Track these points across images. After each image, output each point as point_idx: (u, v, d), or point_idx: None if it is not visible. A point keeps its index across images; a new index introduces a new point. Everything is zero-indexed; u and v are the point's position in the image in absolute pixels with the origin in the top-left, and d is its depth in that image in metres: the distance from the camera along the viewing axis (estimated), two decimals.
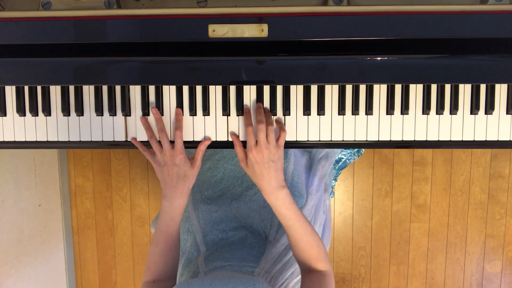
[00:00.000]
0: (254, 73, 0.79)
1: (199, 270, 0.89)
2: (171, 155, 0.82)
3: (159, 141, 0.84)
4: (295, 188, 1.02)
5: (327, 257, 0.85)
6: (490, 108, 0.85)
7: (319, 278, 0.81)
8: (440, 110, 0.86)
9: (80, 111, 0.87)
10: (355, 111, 0.86)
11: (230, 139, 0.87)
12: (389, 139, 0.87)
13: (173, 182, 0.82)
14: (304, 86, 0.86)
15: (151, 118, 0.87)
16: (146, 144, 0.87)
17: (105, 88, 0.87)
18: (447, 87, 0.86)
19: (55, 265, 1.90)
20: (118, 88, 0.87)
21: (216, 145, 0.88)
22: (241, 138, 0.87)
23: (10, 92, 0.88)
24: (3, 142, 0.89)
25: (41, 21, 0.78)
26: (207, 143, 0.86)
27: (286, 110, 0.86)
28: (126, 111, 0.87)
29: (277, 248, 0.95)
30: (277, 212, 0.82)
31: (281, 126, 0.85)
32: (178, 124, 0.85)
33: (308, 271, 0.83)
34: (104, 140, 0.88)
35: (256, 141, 0.81)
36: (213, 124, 0.87)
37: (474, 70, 0.78)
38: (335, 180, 1.39)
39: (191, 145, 0.89)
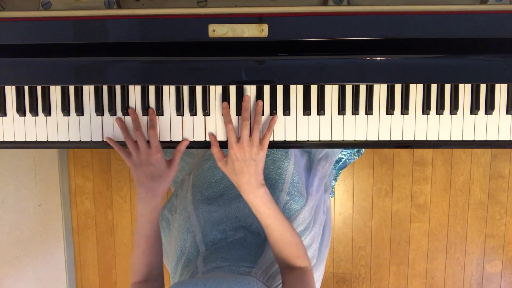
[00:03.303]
0: (254, 73, 0.79)
1: (197, 270, 0.89)
2: (147, 154, 0.81)
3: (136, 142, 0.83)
4: (296, 188, 1.01)
5: (306, 254, 0.84)
6: (490, 108, 0.85)
7: (300, 275, 0.81)
8: (440, 110, 0.86)
9: (80, 111, 0.87)
10: (355, 111, 0.86)
11: None
12: (389, 139, 0.87)
13: (148, 183, 0.81)
14: (304, 86, 0.86)
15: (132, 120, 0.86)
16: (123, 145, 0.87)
17: (105, 88, 0.87)
18: (447, 87, 0.86)
19: (55, 265, 1.90)
20: (118, 88, 0.87)
21: (211, 147, 0.88)
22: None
23: (10, 92, 0.88)
24: (3, 142, 0.89)
25: (41, 21, 0.78)
26: (186, 143, 0.86)
27: (286, 110, 0.86)
28: (126, 111, 0.87)
29: None
30: (256, 210, 0.81)
31: (269, 125, 0.84)
32: (151, 123, 0.84)
33: (288, 269, 0.83)
34: (104, 140, 0.88)
35: (239, 139, 0.81)
36: (213, 124, 0.87)
37: (474, 70, 0.78)
38: (335, 180, 1.39)
39: (190, 145, 0.88)
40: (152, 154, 0.81)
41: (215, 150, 0.84)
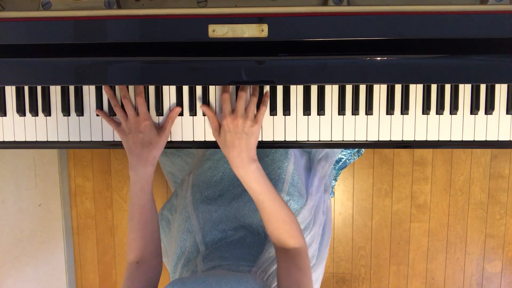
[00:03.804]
0: (254, 73, 0.79)
1: (197, 269, 0.89)
2: (136, 121, 0.82)
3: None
4: (295, 188, 1.02)
5: (301, 233, 0.83)
6: (490, 108, 0.85)
7: (295, 258, 0.79)
8: (440, 110, 0.86)
9: (80, 111, 0.87)
10: (355, 111, 0.86)
11: None
12: (389, 139, 0.87)
13: (138, 150, 0.81)
14: (304, 86, 0.86)
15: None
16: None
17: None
18: (447, 87, 0.86)
19: (55, 265, 1.90)
20: (118, 89, 0.87)
21: (216, 145, 0.88)
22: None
23: (10, 92, 0.88)
24: (3, 142, 0.89)
25: (41, 21, 0.78)
26: (178, 110, 0.85)
27: (286, 110, 0.86)
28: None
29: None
30: (248, 186, 0.80)
31: (263, 100, 0.84)
32: (138, 90, 0.84)
33: (282, 250, 0.81)
34: (104, 140, 0.88)
35: (233, 110, 0.81)
36: None
37: (474, 70, 0.78)
38: (335, 180, 1.39)
39: (190, 145, 0.89)
40: (140, 121, 0.82)
41: (212, 119, 0.84)
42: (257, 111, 0.83)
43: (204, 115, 0.87)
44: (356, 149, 1.32)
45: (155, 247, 0.84)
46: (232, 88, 0.86)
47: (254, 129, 0.80)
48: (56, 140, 0.89)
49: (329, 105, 0.86)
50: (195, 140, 0.88)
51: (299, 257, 0.80)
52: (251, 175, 0.79)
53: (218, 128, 0.83)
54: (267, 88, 0.86)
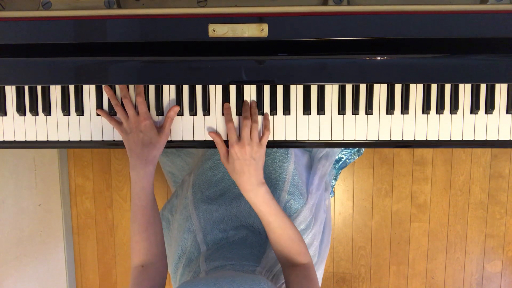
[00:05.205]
0: (254, 73, 0.79)
1: (200, 269, 0.89)
2: (136, 121, 0.82)
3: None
4: (296, 187, 1.02)
5: (307, 249, 0.85)
6: (490, 107, 0.85)
7: (304, 272, 0.81)
8: (440, 109, 0.86)
9: (80, 111, 0.87)
10: (355, 110, 0.86)
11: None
12: (389, 139, 0.87)
13: (138, 149, 0.81)
14: (304, 86, 0.86)
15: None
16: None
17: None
18: (447, 86, 0.86)
19: (55, 265, 1.90)
20: (118, 88, 0.87)
21: (215, 145, 0.88)
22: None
23: (10, 92, 0.88)
24: (3, 142, 0.89)
25: (41, 21, 0.78)
26: (176, 109, 0.86)
27: (286, 110, 0.86)
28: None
29: None
30: (257, 209, 0.82)
31: (266, 125, 0.85)
32: (138, 90, 0.84)
33: (291, 267, 0.82)
34: (104, 139, 0.89)
35: (239, 138, 0.82)
36: (213, 124, 0.87)
37: (474, 70, 0.78)
38: (335, 179, 1.39)
39: (191, 145, 0.89)
40: (141, 121, 0.82)
41: (220, 145, 0.85)
42: (261, 135, 0.85)
43: (204, 114, 0.87)
44: (356, 149, 1.32)
45: (159, 249, 0.83)
46: (233, 102, 0.86)
47: (261, 153, 0.82)
48: (56, 140, 0.89)
49: (329, 104, 0.86)
50: (195, 140, 0.88)
51: (308, 271, 0.81)
52: (260, 198, 0.81)
53: (227, 154, 0.84)
54: (266, 106, 0.86)
